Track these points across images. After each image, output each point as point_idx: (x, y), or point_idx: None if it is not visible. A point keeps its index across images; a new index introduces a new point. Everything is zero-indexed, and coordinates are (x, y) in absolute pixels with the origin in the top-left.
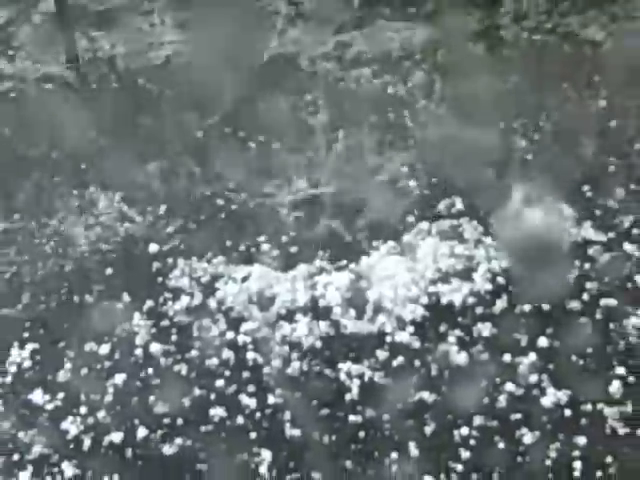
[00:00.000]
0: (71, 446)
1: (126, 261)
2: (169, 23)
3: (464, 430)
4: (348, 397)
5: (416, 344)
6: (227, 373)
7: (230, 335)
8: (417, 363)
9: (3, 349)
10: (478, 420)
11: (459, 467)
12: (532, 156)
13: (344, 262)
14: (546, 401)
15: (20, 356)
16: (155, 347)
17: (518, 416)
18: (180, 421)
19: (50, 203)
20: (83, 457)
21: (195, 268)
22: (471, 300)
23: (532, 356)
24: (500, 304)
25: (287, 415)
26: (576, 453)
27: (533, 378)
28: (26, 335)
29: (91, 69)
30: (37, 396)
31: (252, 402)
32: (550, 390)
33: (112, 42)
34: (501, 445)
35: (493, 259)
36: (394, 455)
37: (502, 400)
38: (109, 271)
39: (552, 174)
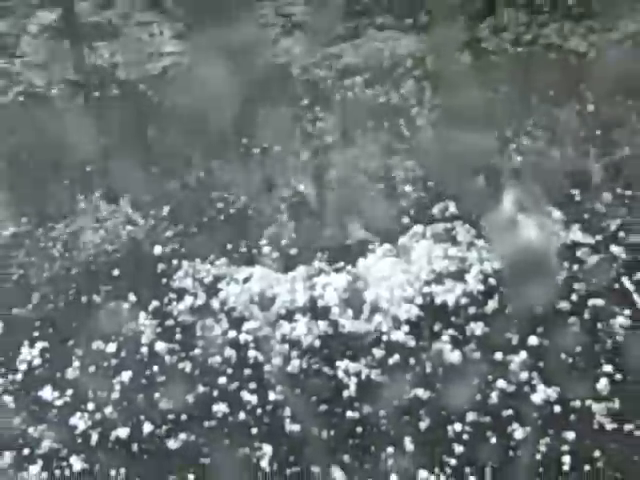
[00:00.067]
0: (79, 441)
1: (132, 263)
2: (167, 34)
3: (457, 426)
4: (346, 394)
5: (411, 343)
6: (229, 371)
7: (232, 334)
8: (412, 361)
9: (14, 348)
10: (471, 416)
11: (453, 461)
12: (522, 162)
13: (342, 264)
14: (536, 398)
15: (30, 354)
16: (160, 346)
17: (509, 412)
18: (184, 417)
19: (58, 207)
20: (91, 451)
21: (198, 270)
22: (464, 300)
23: (523, 354)
24: (492, 304)
25: (287, 411)
26: (565, 448)
27: (524, 375)
28: (36, 334)
29: (93, 78)
30: (47, 393)
31: (253, 399)
32: (540, 387)
33: (112, 52)
34: (493, 440)
35: (485, 261)
36: (390, 450)
37: (494, 397)
38: (115, 272)
39: (541, 179)
